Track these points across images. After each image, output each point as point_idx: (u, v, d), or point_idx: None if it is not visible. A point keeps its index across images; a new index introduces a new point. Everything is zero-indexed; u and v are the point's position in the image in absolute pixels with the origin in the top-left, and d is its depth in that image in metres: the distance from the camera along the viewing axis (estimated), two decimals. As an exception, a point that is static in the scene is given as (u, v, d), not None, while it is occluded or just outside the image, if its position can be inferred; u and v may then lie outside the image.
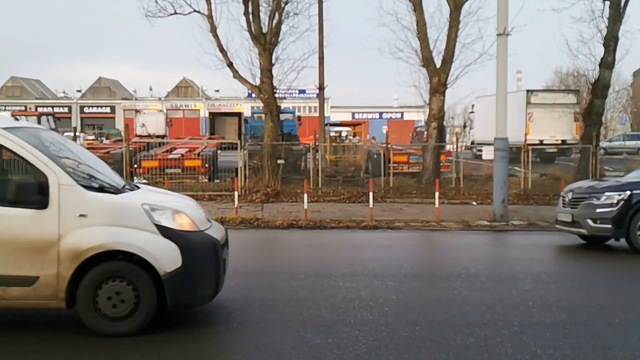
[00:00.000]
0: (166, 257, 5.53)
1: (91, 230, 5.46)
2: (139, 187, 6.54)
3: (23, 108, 58.73)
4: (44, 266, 5.40)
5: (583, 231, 10.79)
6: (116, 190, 5.98)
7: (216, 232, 6.23)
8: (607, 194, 10.59)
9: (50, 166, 5.52)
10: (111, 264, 5.53)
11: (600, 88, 20.78)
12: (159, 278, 5.52)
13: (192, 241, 5.70)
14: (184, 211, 5.97)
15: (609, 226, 10.40)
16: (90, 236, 5.44)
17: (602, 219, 10.46)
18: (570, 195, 11.20)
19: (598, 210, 10.53)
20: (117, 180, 6.37)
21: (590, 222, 10.58)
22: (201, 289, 5.78)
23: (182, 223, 5.79)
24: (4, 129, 5.69)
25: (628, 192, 10.41)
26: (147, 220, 5.61)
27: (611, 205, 10.41)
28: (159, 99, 69.38)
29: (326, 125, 28.30)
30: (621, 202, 10.35)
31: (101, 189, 5.80)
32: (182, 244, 5.61)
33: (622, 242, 10.54)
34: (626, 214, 10.25)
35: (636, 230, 10.21)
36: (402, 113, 68.08)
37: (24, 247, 5.39)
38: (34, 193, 5.40)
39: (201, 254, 5.73)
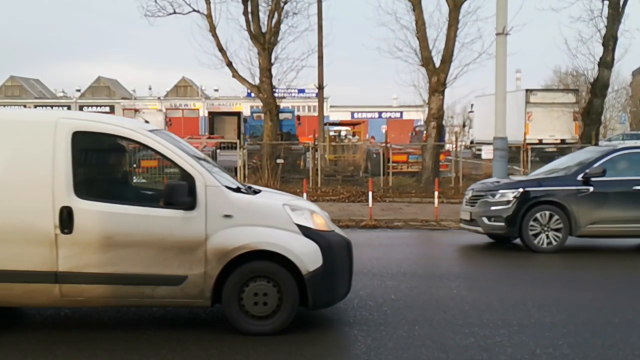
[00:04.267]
0: (308, 257, 5.58)
1: (237, 231, 5.53)
2: (260, 189, 6.59)
3: (23, 108, 58.62)
4: (192, 266, 5.47)
5: (479, 229, 10.73)
6: (250, 192, 6.07)
7: (342, 232, 6.35)
8: (501, 191, 10.51)
9: (197, 168, 5.62)
10: (256, 264, 5.59)
11: (599, 87, 20.82)
12: (301, 277, 5.56)
13: (330, 241, 5.78)
14: (317, 211, 6.08)
15: (502, 224, 10.33)
16: (236, 236, 5.52)
17: (496, 217, 10.40)
18: (470, 192, 11.20)
19: (492, 208, 10.46)
20: (238, 182, 6.41)
21: (485, 220, 10.52)
22: (339, 287, 5.86)
23: (318, 223, 5.88)
24: (151, 131, 5.83)
25: (521, 190, 10.32)
26: (288, 221, 5.67)
27: (505, 203, 10.31)
28: (158, 98, 69.34)
29: (325, 124, 28.32)
30: (514, 200, 10.25)
31: (238, 190, 5.87)
32: (322, 243, 5.67)
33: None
34: (519, 211, 10.16)
35: (528, 229, 10.12)
36: (401, 112, 68.05)
37: (172, 247, 5.47)
38: (185, 194, 5.47)
39: (339, 253, 5.81)
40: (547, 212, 10.12)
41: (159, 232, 5.48)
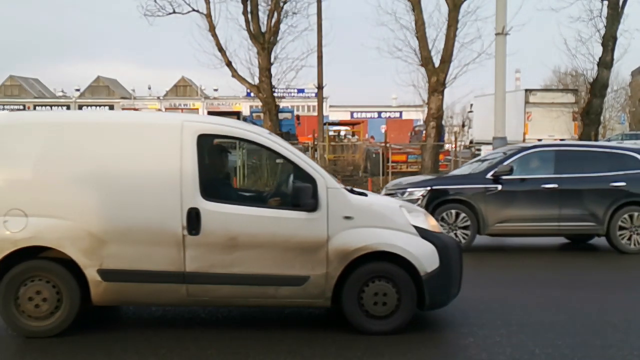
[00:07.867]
0: (426, 258, 5.63)
1: (357, 232, 5.59)
2: (365, 192, 6.52)
3: (21, 107, 58.67)
4: (314, 266, 5.53)
5: None
6: (361, 193, 6.08)
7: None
8: (409, 190, 10.40)
9: (318, 170, 5.73)
10: (375, 265, 5.64)
11: (598, 87, 20.82)
12: (419, 278, 5.60)
13: (445, 242, 5.86)
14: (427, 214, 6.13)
15: None
16: (356, 237, 5.57)
17: None
18: (384, 192, 11.18)
19: None
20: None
21: None
22: (452, 288, 5.90)
23: (433, 225, 5.95)
24: (270, 134, 5.90)
25: (429, 188, 10.24)
26: (406, 222, 5.73)
27: (413, 201, 10.05)
28: (158, 98, 69.34)
29: (325, 124, 28.30)
30: (422, 199, 10.14)
31: (352, 192, 5.90)
32: (438, 244, 5.72)
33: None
34: (426, 210, 10.08)
35: None
36: (400, 112, 68.06)
37: (295, 248, 5.53)
38: (309, 196, 5.53)
39: (453, 254, 5.85)
40: (454, 211, 10.04)
41: (282, 233, 5.54)
